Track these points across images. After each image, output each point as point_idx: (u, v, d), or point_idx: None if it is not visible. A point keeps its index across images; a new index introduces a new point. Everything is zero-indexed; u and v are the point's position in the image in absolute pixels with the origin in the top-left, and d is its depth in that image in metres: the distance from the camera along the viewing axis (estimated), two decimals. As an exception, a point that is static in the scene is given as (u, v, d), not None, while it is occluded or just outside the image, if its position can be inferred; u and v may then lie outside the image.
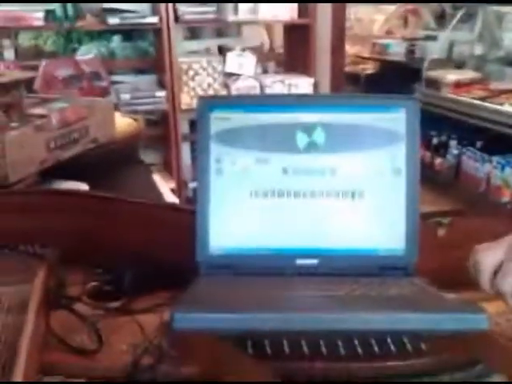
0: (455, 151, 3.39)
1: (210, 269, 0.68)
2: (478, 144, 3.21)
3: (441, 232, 0.73)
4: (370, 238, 0.69)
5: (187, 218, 0.71)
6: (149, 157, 2.59)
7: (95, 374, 0.58)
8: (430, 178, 3.49)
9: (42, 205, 0.81)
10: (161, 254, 0.73)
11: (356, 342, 0.61)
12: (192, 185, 2.66)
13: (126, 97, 2.43)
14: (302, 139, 0.68)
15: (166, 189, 1.30)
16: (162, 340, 0.60)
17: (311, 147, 0.69)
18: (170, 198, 1.24)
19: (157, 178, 1.33)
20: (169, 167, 2.76)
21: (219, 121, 0.68)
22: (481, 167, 3.11)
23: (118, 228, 0.78)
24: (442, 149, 3.52)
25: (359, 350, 0.60)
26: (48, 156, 1.03)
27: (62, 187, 1.12)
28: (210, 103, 0.69)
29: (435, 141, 3.57)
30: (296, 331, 0.53)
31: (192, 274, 0.68)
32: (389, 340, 0.61)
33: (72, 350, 0.60)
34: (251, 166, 0.68)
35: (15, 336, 0.59)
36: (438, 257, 0.75)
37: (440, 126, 3.61)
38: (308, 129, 0.69)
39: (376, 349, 0.61)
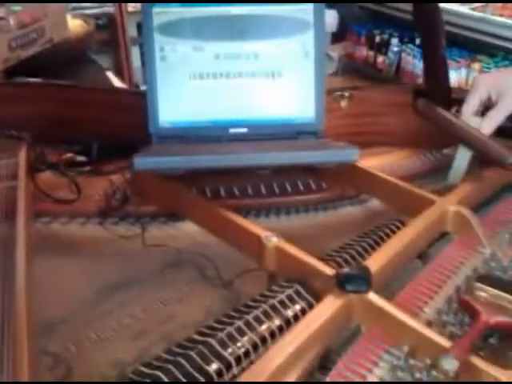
0: (396, 48, 3.56)
1: (161, 138, 0.85)
2: (418, 41, 3.37)
3: (343, 103, 0.92)
4: (288, 109, 0.87)
5: (139, 100, 0.86)
6: (100, 61, 2.65)
7: (76, 214, 0.76)
8: (372, 76, 3.67)
9: (13, 95, 0.95)
10: (118, 130, 0.89)
11: (274, 184, 0.82)
12: (144, 87, 2.75)
13: (72, 0, 2.44)
14: (229, 29, 0.84)
15: (119, 83, 1.43)
16: (127, 188, 0.79)
17: (238, 35, 0.84)
18: (124, 92, 1.38)
19: (110, 74, 1.45)
20: (120, 71, 2.83)
21: (160, 14, 0.82)
22: (418, 63, 3.30)
23: (81, 111, 0.93)
24: (383, 47, 3.67)
25: (276, 189, 0.81)
26: (10, 55, 1.15)
27: (25, 84, 1.24)
28: (153, -1, 0.83)
29: (378, 39, 3.71)
30: (227, 167, 0.72)
31: (146, 144, 0.85)
32: (298, 182, 0.82)
33: (56, 201, 0.78)
34: (189, 53, 0.84)
35: (12, 195, 0.76)
36: (344, 124, 0.95)
37: (382, 25, 3.73)
38: (235, 19, 0.84)
39: (289, 188, 0.81)
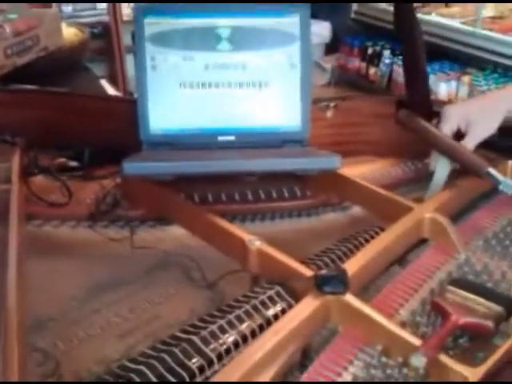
0: (388, 60, 3.60)
1: (151, 145, 0.88)
2: (409, 53, 3.41)
3: (329, 113, 0.95)
4: (274, 118, 0.90)
5: (131, 108, 0.89)
6: (94, 70, 2.68)
7: (67, 217, 0.78)
8: (364, 87, 3.71)
9: (9, 101, 0.97)
10: (111, 136, 0.91)
11: (260, 191, 0.84)
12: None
13: (68, 9, 2.48)
14: (219, 40, 0.87)
15: (113, 91, 1.46)
16: (117, 193, 0.81)
17: (226, 47, 0.87)
18: (117, 99, 1.40)
19: (104, 82, 1.48)
20: (114, 79, 2.86)
21: (152, 25, 0.85)
22: (409, 75, 3.35)
23: (75, 117, 0.95)
24: (376, 59, 3.72)
25: (262, 195, 0.84)
26: (6, 62, 1.17)
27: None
28: (144, 10, 0.86)
29: (370, 51, 3.76)
30: (214, 173, 0.75)
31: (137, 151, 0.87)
32: (284, 189, 0.85)
33: (48, 204, 0.80)
34: (179, 63, 0.87)
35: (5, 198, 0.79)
36: (329, 134, 0.98)
37: (375, 37, 3.78)
38: (224, 31, 0.87)
39: (274, 194, 0.84)
